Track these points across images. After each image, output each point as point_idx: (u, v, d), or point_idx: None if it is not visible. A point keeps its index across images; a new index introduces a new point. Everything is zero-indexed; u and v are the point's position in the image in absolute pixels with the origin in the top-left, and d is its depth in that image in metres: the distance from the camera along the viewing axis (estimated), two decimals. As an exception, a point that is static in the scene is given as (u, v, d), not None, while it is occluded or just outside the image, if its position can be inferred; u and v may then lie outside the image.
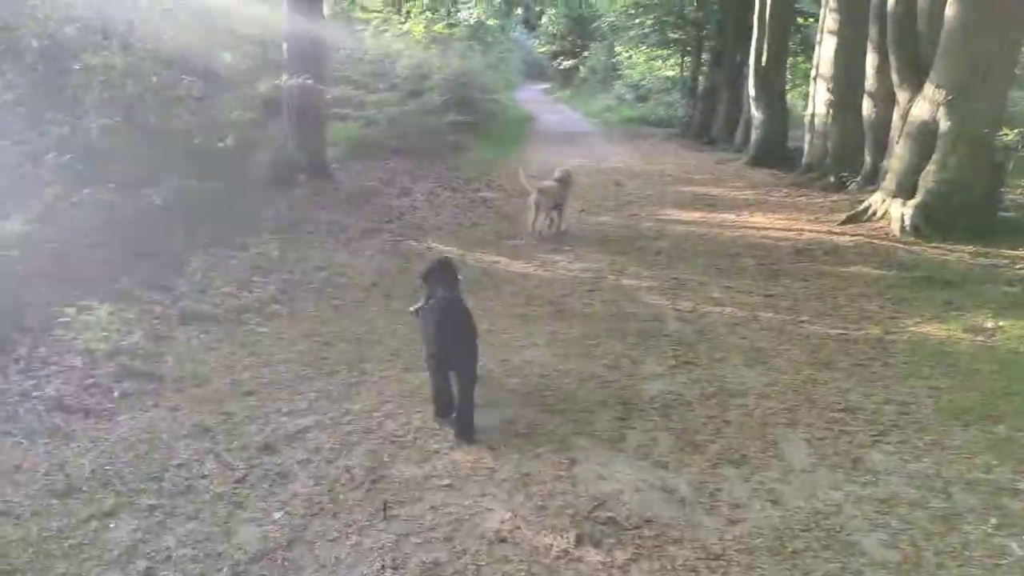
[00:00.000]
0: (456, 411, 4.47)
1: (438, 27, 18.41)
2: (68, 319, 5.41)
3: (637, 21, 25.36)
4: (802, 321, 6.51)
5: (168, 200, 7.57)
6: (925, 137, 9.80)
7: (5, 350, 5.13)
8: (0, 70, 7.48)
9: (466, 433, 4.39)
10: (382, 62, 17.56)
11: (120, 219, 7.11)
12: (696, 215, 10.82)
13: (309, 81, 10.33)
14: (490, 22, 28.11)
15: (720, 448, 4.35)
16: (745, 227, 10.09)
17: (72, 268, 6.21)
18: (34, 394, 4.65)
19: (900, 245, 9.14)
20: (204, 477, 3.94)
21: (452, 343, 4.47)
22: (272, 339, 5.83)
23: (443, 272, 4.94)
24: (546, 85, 44.98)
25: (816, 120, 13.96)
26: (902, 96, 10.43)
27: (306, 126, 11.88)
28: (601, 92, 32.78)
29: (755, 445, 4.38)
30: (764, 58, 16.19)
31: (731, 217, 10.63)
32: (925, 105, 9.77)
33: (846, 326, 6.37)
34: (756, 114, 16.41)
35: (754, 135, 16.53)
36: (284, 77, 10.53)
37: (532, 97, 37.78)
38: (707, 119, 21.03)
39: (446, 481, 3.95)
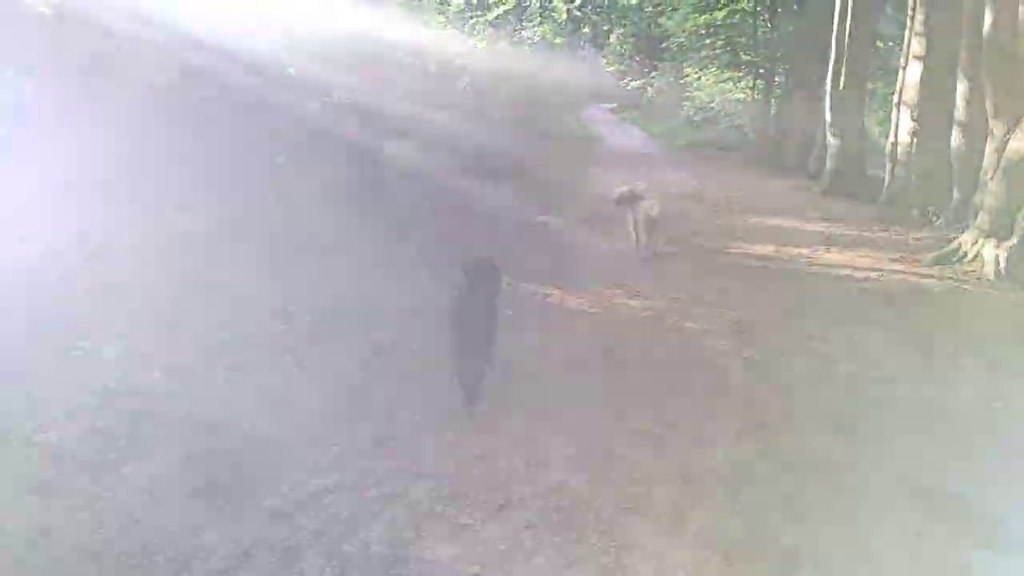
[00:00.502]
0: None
1: (501, 44, 17.98)
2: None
3: (707, 42, 24.60)
4: (889, 380, 5.78)
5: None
6: (1024, 173, 8.92)
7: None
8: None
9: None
10: (444, 78, 17.24)
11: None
12: (767, 249, 10.07)
13: (358, 99, 9.92)
14: (557, 40, 27.64)
15: (798, 538, 3.70)
16: (821, 264, 9.32)
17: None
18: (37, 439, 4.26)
19: (994, 291, 8.28)
20: (201, 553, 3.46)
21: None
22: (305, 377, 5.38)
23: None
24: (613, 105, 44.35)
25: (899, 149, 13.03)
26: (998, 128, 9.53)
27: (359, 146, 11.54)
28: (669, 113, 31.99)
29: (840, 534, 3.72)
30: (842, 82, 15.30)
31: (805, 252, 9.86)
32: (1025, 138, 8.89)
33: (942, 389, 5.61)
34: (832, 140, 15.52)
35: (829, 163, 15.62)
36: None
37: (599, 117, 37.22)
38: (779, 144, 20.12)
39: (475, 569, 3.41)
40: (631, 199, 9.77)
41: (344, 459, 4.33)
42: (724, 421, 5.00)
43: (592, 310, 7.38)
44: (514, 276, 8.18)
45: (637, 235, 9.59)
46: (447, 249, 8.79)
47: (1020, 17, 9.00)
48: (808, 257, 9.66)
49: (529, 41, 19.42)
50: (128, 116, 6.84)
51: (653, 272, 8.83)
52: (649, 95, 38.02)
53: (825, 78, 15.93)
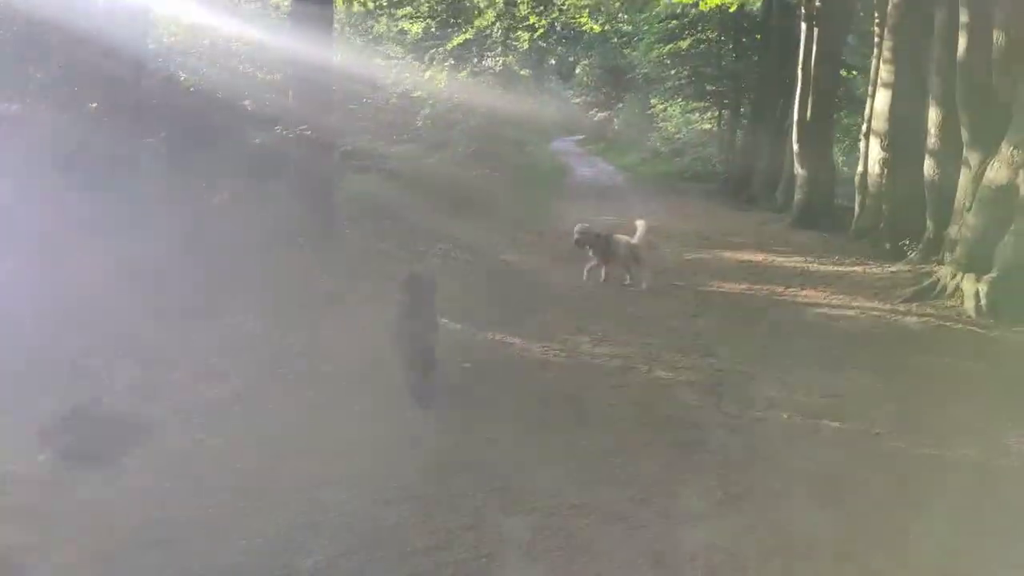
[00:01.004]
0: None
1: (462, 75, 17.59)
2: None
3: (672, 72, 24.46)
4: (878, 434, 5.26)
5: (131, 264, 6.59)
6: (1002, 203, 8.55)
7: None
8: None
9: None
10: (404, 111, 16.77)
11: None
12: (739, 286, 9.61)
13: (308, 133, 9.37)
14: (522, 72, 27.38)
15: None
16: (797, 303, 8.85)
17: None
18: None
19: (977, 328, 7.85)
20: None
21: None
22: (212, 454, 4.70)
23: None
24: (580, 137, 44.28)
25: (869, 180, 12.74)
26: (974, 157, 9.20)
27: (311, 181, 10.95)
28: (635, 145, 31.85)
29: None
30: (808, 112, 15.04)
31: (779, 289, 9.40)
32: (1002, 168, 8.54)
33: (935, 444, 5.10)
34: (800, 171, 15.21)
35: (798, 194, 15.31)
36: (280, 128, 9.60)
37: (565, 148, 37.00)
38: (746, 176, 19.85)
39: None
40: (591, 239, 9.40)
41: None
42: (701, 492, 4.43)
43: (556, 359, 6.81)
44: (473, 325, 7.62)
45: (609, 272, 9.45)
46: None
47: (995, 42, 8.70)
48: (783, 295, 9.19)
49: (491, 72, 19.02)
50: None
51: (622, 314, 8.29)
52: (616, 126, 37.94)
53: (791, 108, 15.69)
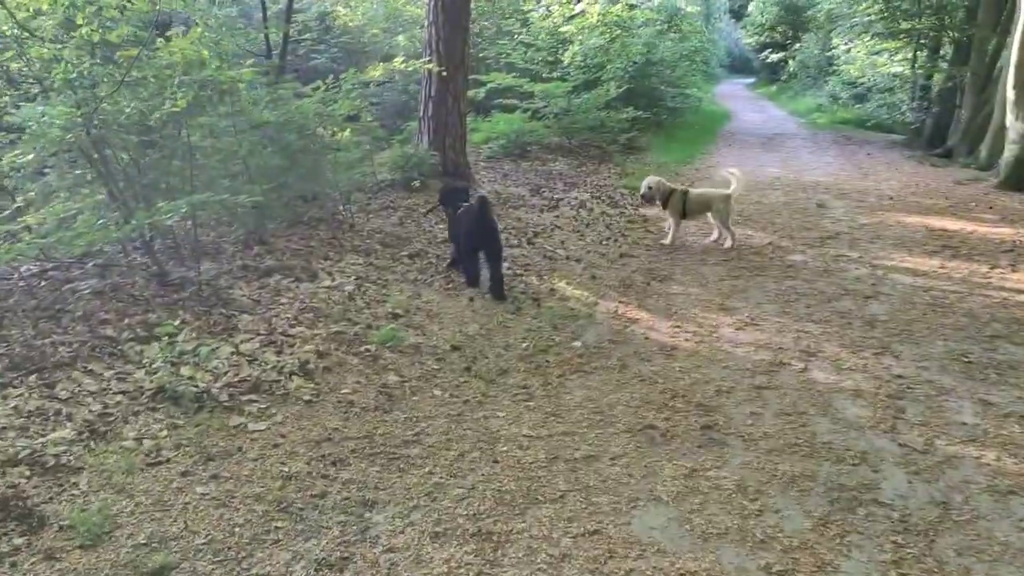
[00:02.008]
0: (491, 280, 6.33)
1: (615, 9, 15.96)
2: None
3: (862, 7, 21.53)
4: None
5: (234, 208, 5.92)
6: None
7: None
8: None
9: (499, 295, 6.27)
10: (552, 47, 15.49)
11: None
12: (930, 263, 7.85)
13: (443, 71, 8.38)
14: (690, 8, 25.17)
15: None
16: (1005, 288, 7.05)
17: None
18: None
19: None
20: None
21: (487, 233, 6.38)
22: (259, 448, 3.88)
23: (457, 193, 7.12)
24: (750, 80, 41.16)
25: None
26: None
27: (440, 119, 10.02)
28: (811, 89, 28.88)
29: None
30: (1031, 52, 12.44)
31: (982, 270, 7.58)
32: None
33: None
34: (1014, 123, 12.71)
35: (1008, 150, 12.80)
36: (421, 61, 8.64)
37: (733, 92, 34.35)
38: (943, 126, 17.16)
39: None
40: (662, 194, 8.33)
41: None
42: (868, 568, 3.15)
43: (687, 344, 5.56)
44: (594, 291, 6.49)
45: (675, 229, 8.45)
46: (525, 246, 7.19)
47: None
48: (987, 276, 7.38)
49: (650, 6, 17.25)
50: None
51: (778, 290, 6.86)
52: (790, 69, 34.74)
53: (1007, 47, 13.10)
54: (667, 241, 8.40)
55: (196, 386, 4.17)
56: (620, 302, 6.46)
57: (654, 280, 7.12)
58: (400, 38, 17.60)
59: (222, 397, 4.13)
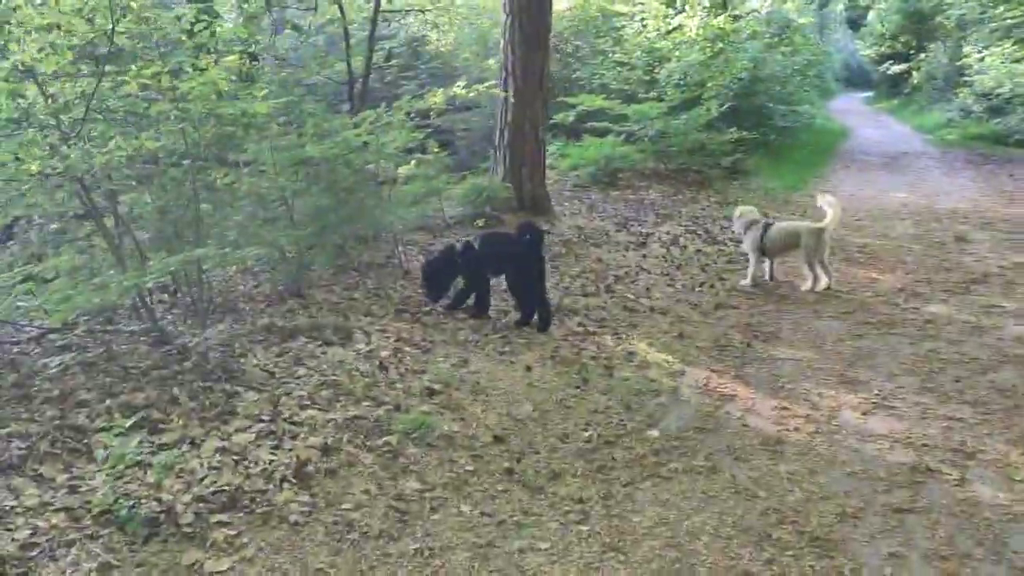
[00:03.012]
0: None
1: (716, 22, 14.64)
2: None
3: (999, 11, 19.41)
4: None
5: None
6: None
7: None
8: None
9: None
10: (647, 65, 14.35)
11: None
12: (1109, 317, 6.30)
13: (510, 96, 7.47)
14: (802, 20, 23.48)
15: None
16: None
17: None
18: None
19: None
20: None
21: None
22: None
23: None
24: (868, 94, 38.58)
25: None
26: None
27: (517, 148, 9.07)
28: (939, 103, 26.44)
29: None
30: None
31: None
32: None
33: None
34: None
35: None
36: (486, 85, 7.71)
37: (849, 107, 32.09)
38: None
39: None
40: (741, 223, 7.39)
41: None
42: None
43: (798, 436, 4.34)
44: (682, 355, 5.36)
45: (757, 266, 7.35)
46: (603, 295, 6.09)
47: None
48: None
49: (756, 16, 15.85)
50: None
51: (916, 355, 5.52)
52: (914, 81, 32.23)
53: None
54: (745, 282, 7.30)
55: (158, 500, 3.29)
56: (712, 370, 5.28)
57: (756, 339, 5.90)
58: (491, 61, 16.82)
59: (185, 518, 3.23)
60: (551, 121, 15.07)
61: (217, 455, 3.67)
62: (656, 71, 14.37)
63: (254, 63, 5.97)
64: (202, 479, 3.49)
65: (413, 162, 7.90)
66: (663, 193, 11.76)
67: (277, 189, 5.94)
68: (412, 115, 7.50)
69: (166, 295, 5.71)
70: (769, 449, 4.20)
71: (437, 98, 6.90)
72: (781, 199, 11.88)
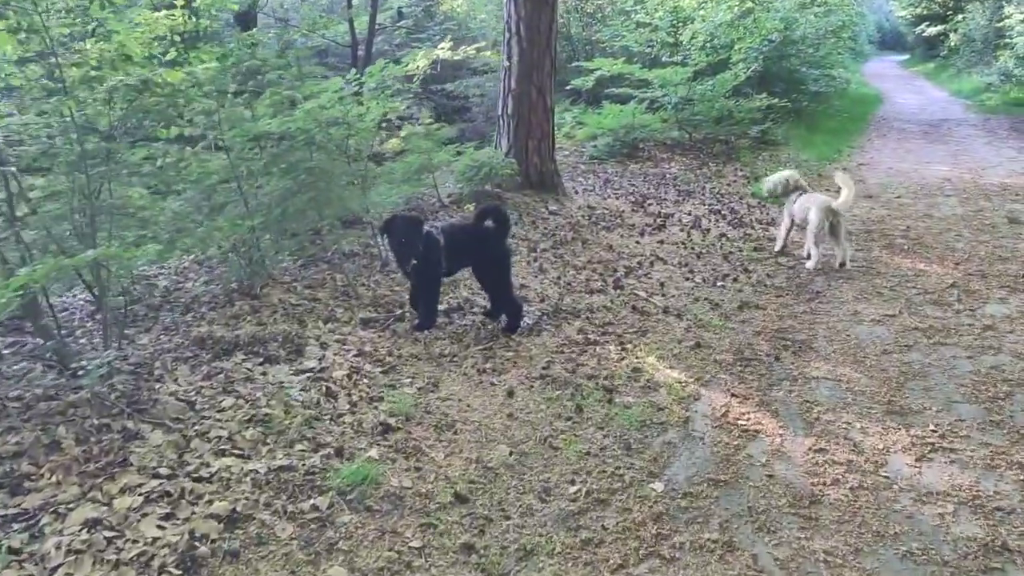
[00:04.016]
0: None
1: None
2: None
3: (1049, -32, 17.70)
4: None
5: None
6: None
7: None
8: None
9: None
10: (671, 26, 13.08)
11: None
12: None
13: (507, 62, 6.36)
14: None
15: None
16: None
17: None
18: None
19: None
20: None
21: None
22: None
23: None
24: (903, 56, 36.57)
25: None
26: None
27: (523, 117, 8.02)
28: (977, 66, 24.67)
29: None
30: None
31: None
32: None
33: None
34: None
35: None
36: (474, 47, 6.62)
37: (884, 71, 30.33)
38: None
39: None
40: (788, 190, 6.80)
41: None
42: None
43: (838, 493, 3.35)
44: (694, 369, 4.37)
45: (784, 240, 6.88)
46: (610, 291, 5.04)
47: None
48: None
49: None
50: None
51: (968, 378, 4.47)
52: (951, 43, 30.28)
53: None
54: (776, 248, 6.92)
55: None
56: (733, 394, 4.28)
57: (786, 350, 4.87)
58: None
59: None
60: (568, 87, 13.98)
61: (84, 532, 2.77)
62: (680, 33, 13.09)
63: (196, 19, 4.94)
64: (52, 572, 2.59)
65: (401, 135, 6.91)
66: (686, 166, 10.63)
67: (229, 170, 4.98)
68: (412, 79, 6.49)
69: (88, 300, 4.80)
70: (801, 515, 3.22)
71: (420, 61, 5.86)
72: (815, 172, 10.70)
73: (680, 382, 4.40)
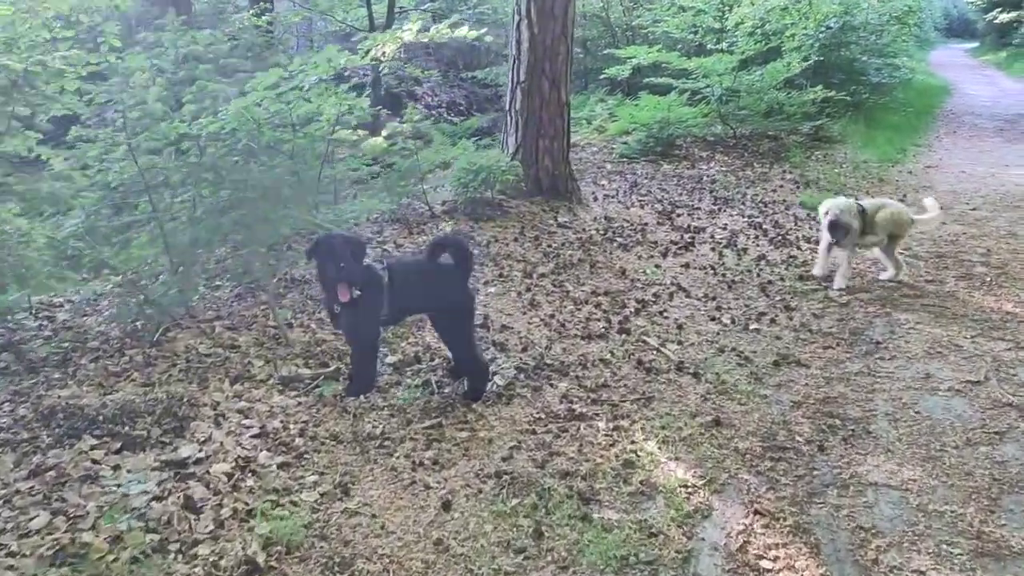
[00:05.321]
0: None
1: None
2: None
3: None
4: None
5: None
6: None
7: None
8: None
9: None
10: (717, 10, 11.63)
11: None
12: None
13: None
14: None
15: None
16: None
17: None
18: None
19: None
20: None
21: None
22: None
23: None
24: (971, 45, 33.97)
25: None
26: None
27: (533, 112, 6.81)
28: (1057, 55, 22.48)
29: None
30: None
31: None
32: None
33: None
34: None
35: None
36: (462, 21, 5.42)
37: (951, 60, 28.00)
38: None
39: None
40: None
41: None
42: None
43: None
44: (713, 472, 3.13)
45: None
46: (627, 317, 3.77)
47: None
48: None
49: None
50: None
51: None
52: (1026, 31, 27.85)
53: None
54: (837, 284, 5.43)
55: None
56: (757, 510, 3.04)
57: (833, 434, 3.60)
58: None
59: None
60: (602, 76, 12.67)
61: None
62: (727, 17, 11.63)
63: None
64: None
65: (383, 134, 5.78)
66: (727, 167, 9.27)
67: (132, 182, 3.91)
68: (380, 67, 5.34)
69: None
70: None
71: (387, 47, 4.67)
72: (875, 174, 9.24)
73: (686, 485, 3.18)
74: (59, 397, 3.30)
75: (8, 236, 3.40)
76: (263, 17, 8.46)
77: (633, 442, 3.48)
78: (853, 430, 3.65)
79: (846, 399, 3.94)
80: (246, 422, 3.31)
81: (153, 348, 3.84)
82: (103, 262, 3.69)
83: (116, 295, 4.12)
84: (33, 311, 4.24)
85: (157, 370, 3.65)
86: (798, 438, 3.57)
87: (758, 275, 5.72)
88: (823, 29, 11.74)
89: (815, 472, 3.32)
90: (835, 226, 5.30)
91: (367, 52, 4.67)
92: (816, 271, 5.70)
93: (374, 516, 2.88)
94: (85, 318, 4.28)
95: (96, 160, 4.07)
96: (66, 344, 3.88)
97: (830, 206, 5.36)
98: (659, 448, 3.44)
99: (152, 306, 3.92)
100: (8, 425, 3.12)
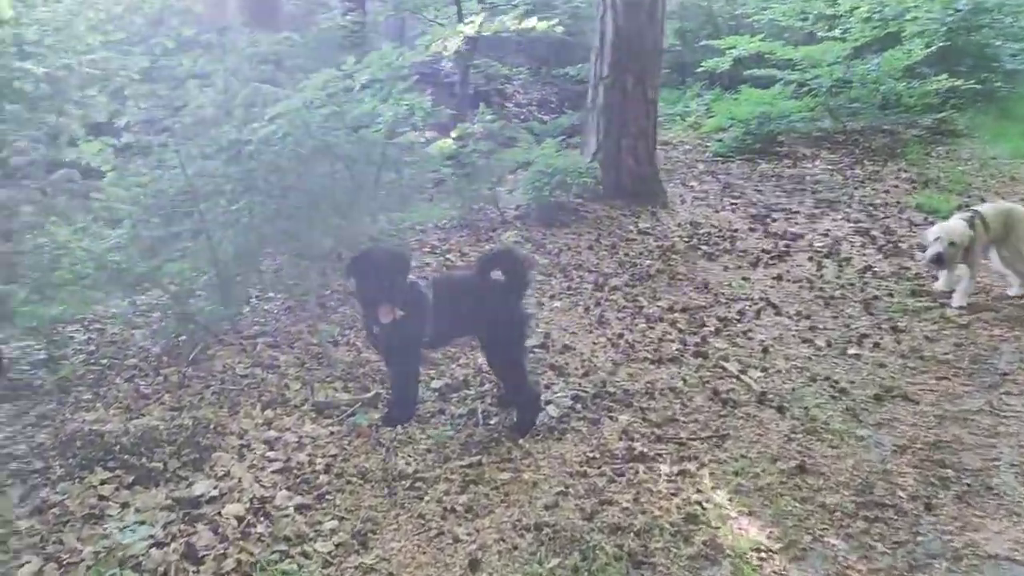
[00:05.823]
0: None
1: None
2: None
3: None
4: None
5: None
6: None
7: None
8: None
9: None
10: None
11: None
12: None
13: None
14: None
15: None
16: None
17: None
18: None
19: None
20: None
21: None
22: None
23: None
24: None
25: None
26: None
27: (615, 110, 6.34)
28: None
29: None
30: None
31: None
32: None
33: None
34: None
35: None
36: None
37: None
38: None
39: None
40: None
41: None
42: None
43: None
44: (794, 534, 2.62)
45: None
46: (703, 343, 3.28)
47: None
48: None
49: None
50: None
51: None
52: None
53: None
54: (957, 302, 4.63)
55: None
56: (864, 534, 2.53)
57: (945, 489, 3.01)
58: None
59: None
60: (700, 68, 11.96)
61: None
62: (840, 2, 10.69)
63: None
64: None
65: (452, 135, 5.47)
66: (833, 165, 8.48)
67: (181, 190, 3.74)
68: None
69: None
70: None
71: (450, 42, 4.32)
72: (1006, 172, 8.22)
73: (759, 548, 2.69)
74: (83, 421, 3.14)
75: (44, 249, 3.28)
76: (347, 16, 8.34)
77: (699, 491, 3.01)
78: (970, 484, 3.04)
79: (962, 444, 3.32)
80: (271, 454, 3.06)
81: (190, 367, 3.66)
82: (144, 275, 3.52)
83: (161, 308, 3.97)
84: (85, 324, 4.17)
85: (189, 392, 3.46)
86: (900, 493, 3.00)
87: (862, 290, 5.06)
88: (951, 12, 10.63)
89: (920, 538, 2.76)
90: (940, 259, 4.60)
91: (427, 48, 4.35)
92: (939, 285, 4.98)
93: (391, 575, 2.54)
94: (134, 331, 4.17)
95: (148, 168, 3.93)
96: (104, 361, 3.75)
97: (941, 233, 4.65)
98: (730, 500, 2.95)
99: (193, 322, 3.74)
100: (23, 453, 2.98)
